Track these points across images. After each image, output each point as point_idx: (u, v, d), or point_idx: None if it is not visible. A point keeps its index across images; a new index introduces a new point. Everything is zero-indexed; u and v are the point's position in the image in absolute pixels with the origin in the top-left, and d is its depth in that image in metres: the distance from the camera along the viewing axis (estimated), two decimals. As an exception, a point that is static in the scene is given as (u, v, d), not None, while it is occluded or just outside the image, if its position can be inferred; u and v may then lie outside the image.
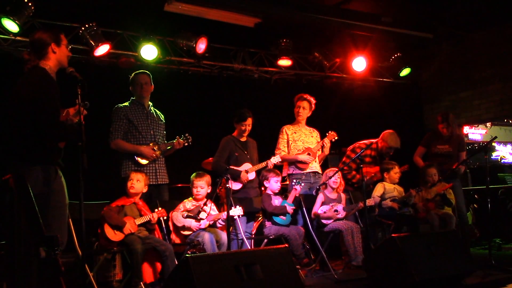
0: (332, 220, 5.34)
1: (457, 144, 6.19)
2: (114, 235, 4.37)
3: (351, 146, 6.17)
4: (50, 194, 3.27)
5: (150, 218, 4.55)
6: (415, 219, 5.71)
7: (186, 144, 5.10)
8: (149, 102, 5.16)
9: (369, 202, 5.30)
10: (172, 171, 5.25)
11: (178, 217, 4.78)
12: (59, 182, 3.37)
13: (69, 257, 4.96)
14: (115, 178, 5.94)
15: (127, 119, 4.91)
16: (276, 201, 5.31)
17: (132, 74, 5.15)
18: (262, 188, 6.18)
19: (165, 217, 4.74)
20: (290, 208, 5.21)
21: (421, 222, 5.76)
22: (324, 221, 5.37)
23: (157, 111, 5.22)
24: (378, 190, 5.80)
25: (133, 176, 4.64)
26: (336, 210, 5.36)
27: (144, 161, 4.87)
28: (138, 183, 4.62)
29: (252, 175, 5.33)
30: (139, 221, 4.51)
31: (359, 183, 5.87)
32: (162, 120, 5.20)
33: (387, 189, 5.82)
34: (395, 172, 5.87)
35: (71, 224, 4.37)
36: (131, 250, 4.27)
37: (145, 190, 4.71)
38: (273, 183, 5.29)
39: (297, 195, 5.28)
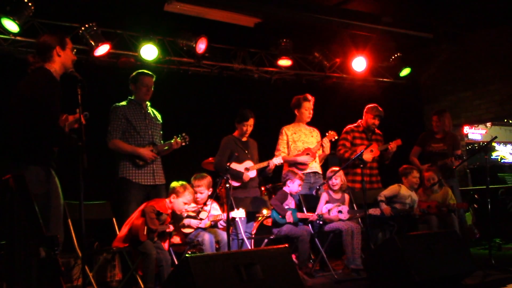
0: (335, 221, 5.32)
1: (451, 142, 6.24)
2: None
3: (343, 130, 6.18)
4: (45, 194, 3.28)
5: (167, 229, 4.54)
6: (415, 219, 5.71)
7: (184, 143, 5.07)
8: (147, 102, 5.13)
9: (372, 211, 5.32)
10: (172, 171, 5.24)
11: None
12: (53, 182, 3.37)
13: (69, 257, 4.98)
14: (115, 178, 5.94)
15: (125, 119, 4.86)
16: (292, 202, 5.29)
17: (135, 73, 5.05)
18: (262, 188, 6.18)
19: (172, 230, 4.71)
20: (290, 218, 5.13)
21: (420, 222, 5.76)
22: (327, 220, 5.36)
23: (154, 110, 5.18)
24: (389, 190, 5.74)
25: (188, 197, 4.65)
26: (340, 211, 5.34)
27: (142, 163, 4.85)
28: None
29: (252, 174, 5.32)
30: (161, 228, 4.49)
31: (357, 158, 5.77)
32: (159, 120, 5.16)
33: (402, 194, 5.73)
34: (414, 176, 5.78)
35: (70, 224, 4.37)
36: (147, 255, 4.24)
37: None
38: (296, 185, 5.26)
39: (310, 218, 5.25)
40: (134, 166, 4.81)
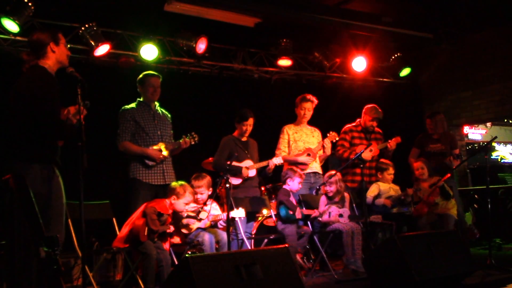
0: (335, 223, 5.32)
1: (449, 142, 6.25)
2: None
3: (342, 130, 6.19)
4: (47, 193, 3.28)
5: (168, 230, 4.53)
6: (415, 218, 5.71)
7: (193, 142, 5.10)
8: (156, 102, 5.16)
9: (373, 218, 5.35)
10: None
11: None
12: (56, 181, 3.37)
13: (69, 257, 4.98)
14: (115, 178, 5.95)
15: (134, 121, 4.90)
16: (293, 201, 5.28)
17: (142, 75, 5.08)
18: (262, 188, 6.18)
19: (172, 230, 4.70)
20: (299, 214, 5.12)
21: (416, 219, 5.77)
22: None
23: (163, 110, 5.20)
24: (372, 191, 5.81)
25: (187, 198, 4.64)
26: (341, 215, 5.34)
27: (152, 163, 4.87)
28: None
29: (252, 173, 5.33)
30: (162, 229, 4.47)
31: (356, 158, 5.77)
32: (169, 120, 5.19)
33: (382, 189, 5.83)
34: (389, 173, 5.91)
35: (70, 224, 4.37)
36: (148, 256, 4.24)
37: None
38: (296, 183, 5.26)
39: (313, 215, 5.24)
40: (144, 167, 4.85)
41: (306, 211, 5.20)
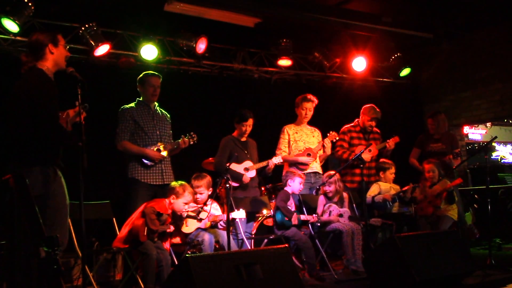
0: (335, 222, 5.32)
1: (449, 141, 6.25)
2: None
3: (340, 130, 6.19)
4: (49, 195, 3.27)
5: (168, 230, 4.53)
6: (415, 219, 5.72)
7: (192, 142, 5.10)
8: (155, 102, 5.16)
9: (373, 221, 5.37)
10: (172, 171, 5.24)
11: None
12: (58, 182, 3.36)
13: (69, 257, 4.98)
14: (115, 178, 5.94)
15: (133, 120, 4.90)
16: (292, 203, 5.27)
17: (142, 74, 5.09)
18: (262, 188, 6.18)
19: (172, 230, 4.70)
20: (295, 220, 5.09)
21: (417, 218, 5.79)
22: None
23: (163, 110, 5.20)
24: (373, 190, 5.82)
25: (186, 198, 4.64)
26: (341, 215, 5.33)
27: (150, 163, 4.87)
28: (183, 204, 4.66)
29: (252, 174, 5.33)
30: (162, 229, 4.48)
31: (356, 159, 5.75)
32: (168, 120, 5.19)
33: (383, 189, 5.84)
34: (391, 173, 5.93)
35: (70, 224, 4.37)
36: (147, 256, 4.23)
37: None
38: (297, 184, 5.23)
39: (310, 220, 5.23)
40: (142, 167, 4.85)
41: (304, 217, 5.16)
